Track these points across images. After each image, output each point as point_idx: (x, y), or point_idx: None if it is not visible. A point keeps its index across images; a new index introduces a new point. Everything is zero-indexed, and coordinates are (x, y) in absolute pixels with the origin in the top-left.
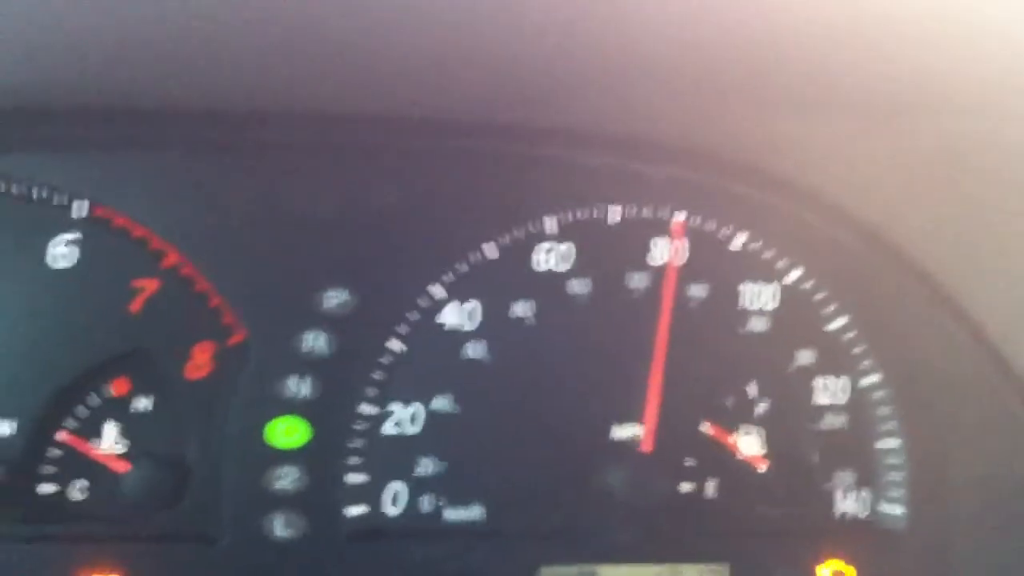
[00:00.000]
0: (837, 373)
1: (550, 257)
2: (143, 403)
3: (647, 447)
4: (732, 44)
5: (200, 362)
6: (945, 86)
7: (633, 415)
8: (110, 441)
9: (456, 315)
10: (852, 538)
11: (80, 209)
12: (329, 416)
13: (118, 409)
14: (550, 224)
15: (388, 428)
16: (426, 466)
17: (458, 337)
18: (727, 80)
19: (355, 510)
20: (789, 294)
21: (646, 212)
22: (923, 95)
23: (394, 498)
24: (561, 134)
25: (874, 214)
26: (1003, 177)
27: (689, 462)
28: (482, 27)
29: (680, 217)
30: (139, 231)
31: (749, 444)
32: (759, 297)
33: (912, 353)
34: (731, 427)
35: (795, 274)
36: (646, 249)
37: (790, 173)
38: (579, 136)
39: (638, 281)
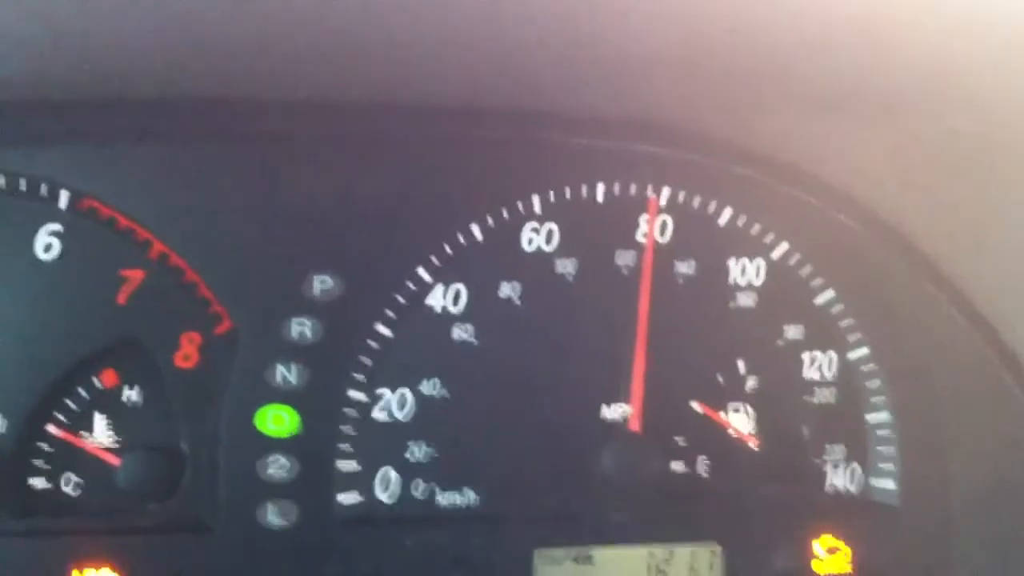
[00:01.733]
0: (825, 347)
1: (537, 237)
2: (133, 394)
3: (635, 427)
4: (718, 30)
5: (188, 352)
6: (929, 74)
7: (622, 395)
8: (101, 433)
9: (443, 298)
10: (845, 514)
11: (66, 200)
12: (318, 403)
13: (108, 401)
14: (536, 204)
15: (378, 414)
16: (417, 451)
17: (446, 320)
18: (712, 63)
19: (347, 497)
20: (776, 269)
21: (632, 190)
22: (904, 83)
23: (386, 484)
24: (545, 116)
25: (857, 188)
26: (986, 148)
27: (680, 441)
28: (466, 12)
29: (660, 194)
30: (125, 222)
31: (739, 421)
32: (746, 272)
33: (899, 325)
34: (721, 404)
35: (781, 249)
36: (633, 226)
37: (772, 148)
38: (563, 117)
39: (626, 259)
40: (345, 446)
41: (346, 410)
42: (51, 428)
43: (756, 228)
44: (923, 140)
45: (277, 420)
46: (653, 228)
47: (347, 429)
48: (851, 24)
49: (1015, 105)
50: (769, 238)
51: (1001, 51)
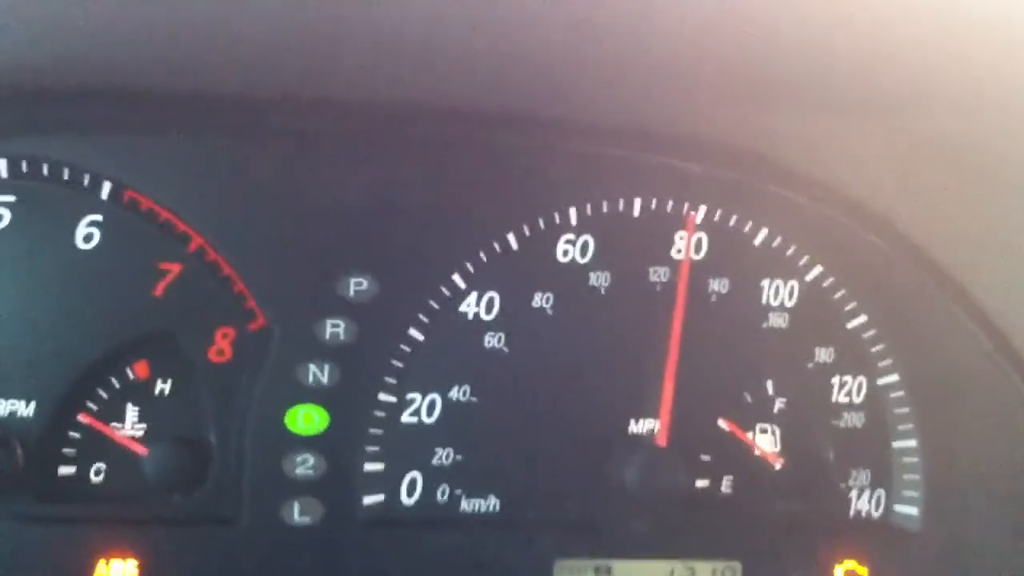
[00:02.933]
0: (855, 372)
1: (572, 249)
2: (164, 387)
3: (662, 441)
4: (757, 44)
5: (222, 347)
6: (963, 86)
7: (650, 409)
8: (131, 424)
9: (476, 305)
10: (866, 537)
11: (107, 191)
12: (348, 404)
13: (139, 392)
14: (573, 216)
15: (406, 417)
16: (443, 456)
17: (478, 327)
18: (751, 79)
19: (372, 498)
20: (809, 291)
21: (669, 206)
22: (944, 95)
23: (410, 487)
24: (585, 127)
25: (894, 213)
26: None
27: (705, 458)
28: (509, 18)
29: (697, 211)
30: (165, 215)
31: (765, 441)
32: (779, 293)
33: (930, 354)
34: (748, 423)
35: (815, 271)
36: (669, 243)
37: (811, 170)
38: (603, 129)
39: (659, 274)
40: (372, 448)
41: (375, 412)
42: (82, 417)
43: (791, 250)
44: (963, 165)
45: (307, 419)
46: (689, 245)
47: (375, 431)
48: (889, 33)
49: None
50: (803, 260)
51: None
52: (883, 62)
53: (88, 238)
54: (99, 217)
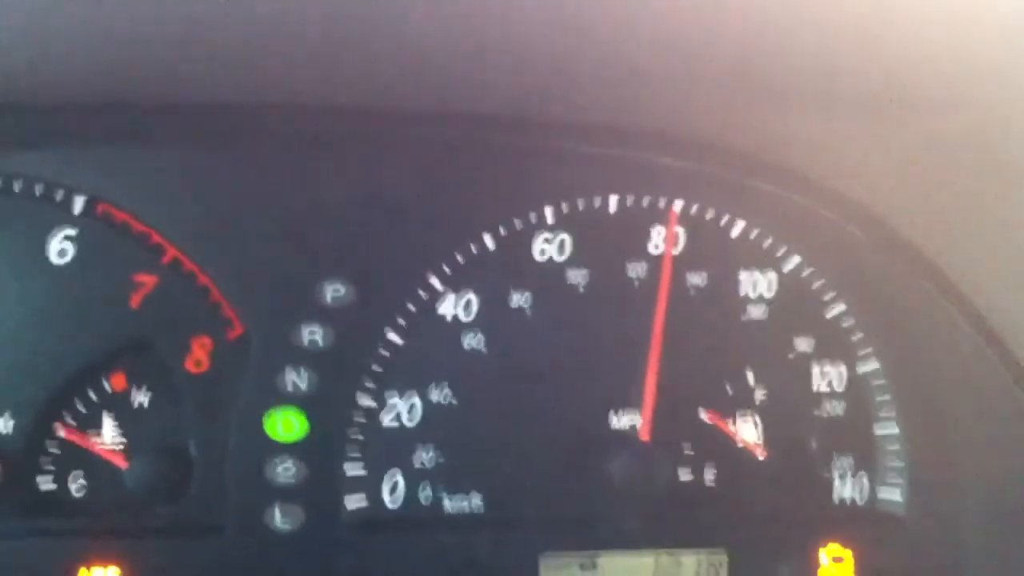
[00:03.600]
0: (835, 360)
1: (549, 247)
2: (143, 398)
3: (645, 436)
4: (730, 39)
5: (199, 357)
6: (933, 79)
7: (632, 403)
8: (110, 435)
9: (454, 306)
10: (851, 523)
11: (80, 205)
12: (328, 409)
13: (118, 404)
14: (549, 214)
15: (386, 420)
16: (425, 457)
17: (456, 328)
18: (723, 73)
19: (355, 501)
20: (787, 281)
21: (645, 202)
22: (916, 90)
23: (393, 489)
24: (559, 125)
25: (871, 201)
26: (1000, 163)
27: (688, 450)
28: (481, 21)
29: (677, 206)
30: (139, 227)
31: (748, 432)
32: (757, 285)
33: (910, 340)
34: (729, 414)
35: (793, 262)
36: (645, 238)
37: (786, 161)
38: (577, 127)
39: (637, 270)
40: (353, 451)
41: (355, 415)
42: (60, 429)
43: (768, 241)
44: (938, 150)
45: (286, 425)
46: (672, 239)
47: (355, 434)
48: (872, 29)
49: None
50: (781, 251)
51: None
52: (852, 52)
53: (62, 253)
54: (73, 231)
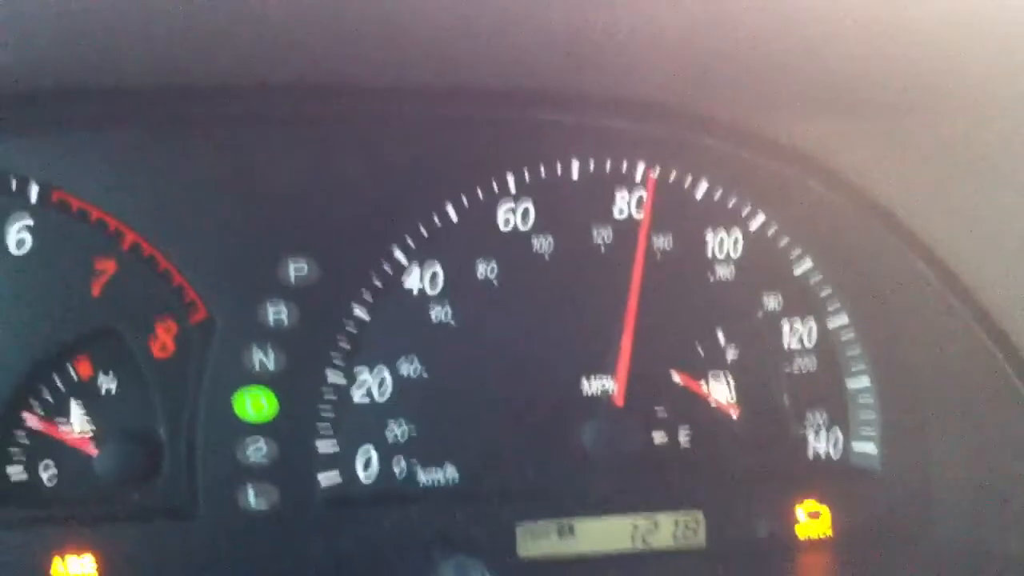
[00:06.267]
0: (804, 316)
1: (513, 216)
2: (110, 383)
3: (619, 402)
4: (696, 11)
5: (164, 341)
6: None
7: (603, 369)
8: (79, 422)
9: (420, 280)
10: (826, 478)
11: (35, 194)
12: (296, 387)
13: (85, 390)
14: (511, 182)
15: (357, 395)
16: (397, 431)
17: (423, 301)
18: (694, 42)
19: (328, 478)
20: (753, 240)
21: (607, 166)
22: (893, 71)
23: (366, 464)
24: (519, 94)
25: (833, 157)
26: (966, 119)
27: (661, 413)
28: None
29: (636, 169)
30: (96, 213)
31: (720, 391)
32: (723, 245)
33: (878, 292)
34: (701, 374)
35: (758, 220)
36: (610, 202)
37: (747, 120)
38: (537, 95)
39: (603, 235)
40: (324, 427)
41: (325, 392)
42: (28, 418)
43: (732, 200)
44: (906, 109)
45: (256, 405)
46: (651, 204)
47: (326, 410)
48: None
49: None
50: (746, 210)
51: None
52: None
53: (20, 243)
54: (29, 221)
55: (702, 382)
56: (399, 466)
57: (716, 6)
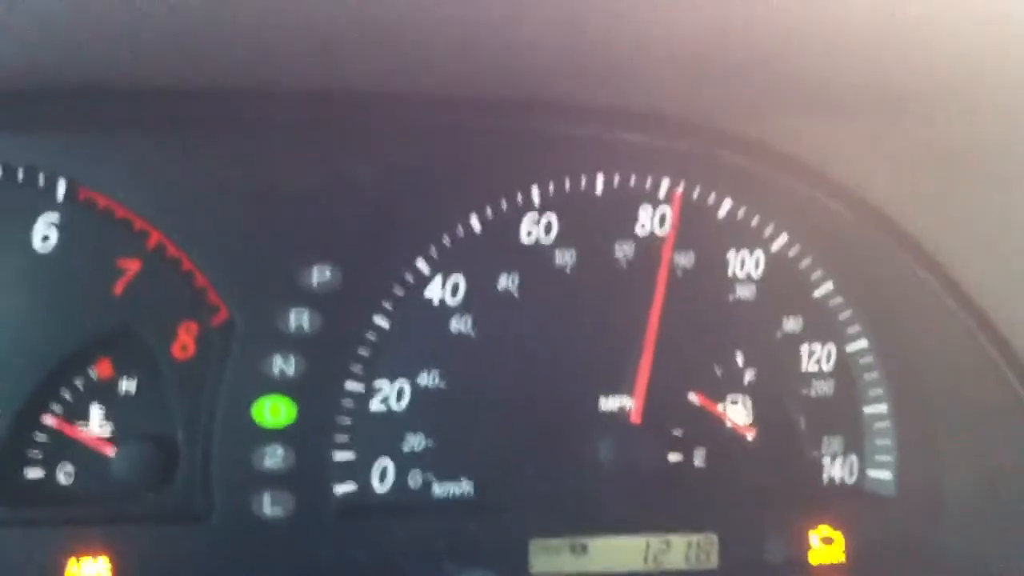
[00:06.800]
0: (824, 340)
1: (536, 228)
2: (129, 385)
3: (636, 419)
4: (725, 25)
5: (185, 342)
6: (934, 76)
7: (621, 386)
8: (96, 423)
9: (441, 290)
10: (840, 504)
11: (63, 191)
12: (315, 394)
13: (104, 391)
14: (535, 195)
15: (375, 405)
16: (414, 442)
17: (444, 312)
18: (718, 58)
19: (343, 487)
20: (775, 261)
21: (632, 181)
22: (909, 81)
23: (382, 474)
24: (544, 105)
25: (856, 181)
26: (994, 150)
27: (677, 432)
28: (469, 3)
29: (669, 186)
30: (122, 212)
31: (737, 413)
32: (745, 265)
33: (898, 318)
34: (719, 396)
35: (780, 241)
36: (633, 219)
37: (772, 140)
38: (563, 107)
39: (625, 251)
40: (341, 437)
41: (343, 401)
42: (47, 418)
43: (755, 220)
44: (929, 140)
45: (274, 411)
46: (676, 221)
47: (344, 420)
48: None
49: None
50: (768, 230)
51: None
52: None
53: (45, 239)
54: (55, 217)
55: (719, 403)
56: (414, 478)
57: (738, 21)
